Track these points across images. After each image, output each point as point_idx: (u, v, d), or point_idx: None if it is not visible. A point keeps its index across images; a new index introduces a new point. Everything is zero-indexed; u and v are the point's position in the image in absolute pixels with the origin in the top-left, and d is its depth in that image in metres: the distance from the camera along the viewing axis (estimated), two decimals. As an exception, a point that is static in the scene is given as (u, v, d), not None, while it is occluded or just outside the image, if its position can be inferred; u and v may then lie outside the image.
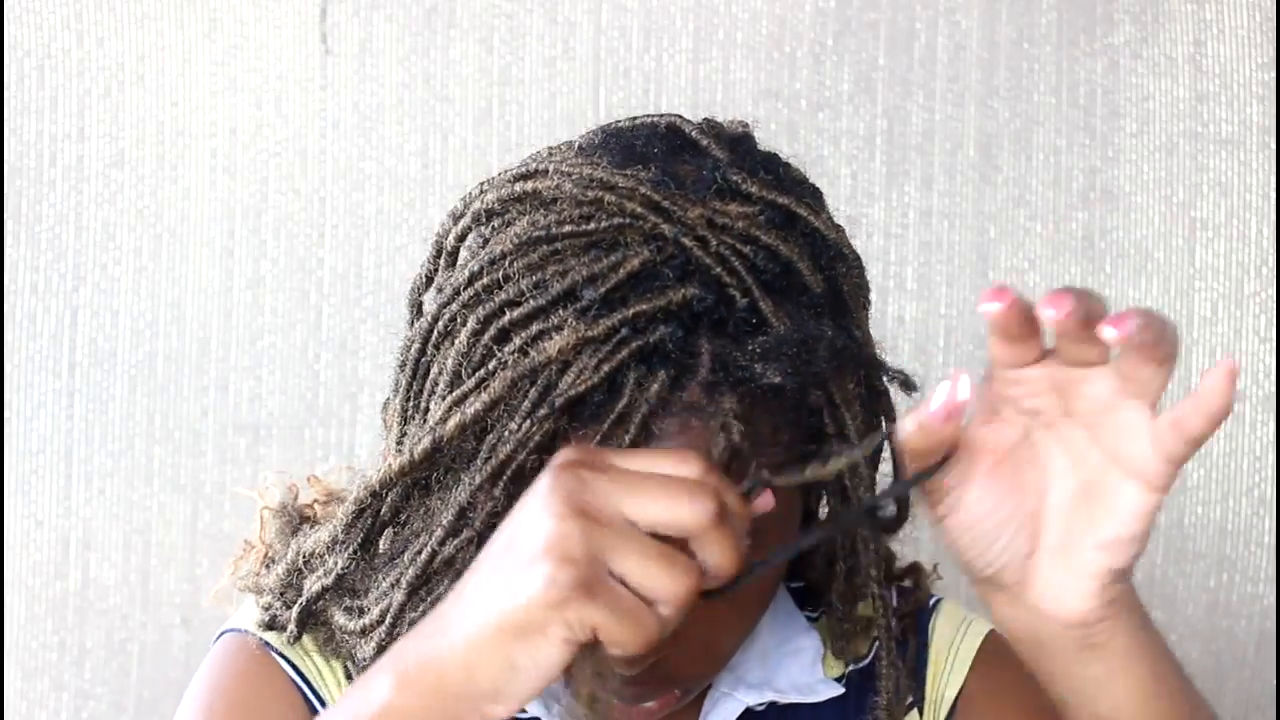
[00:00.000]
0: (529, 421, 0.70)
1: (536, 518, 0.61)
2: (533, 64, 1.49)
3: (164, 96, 1.49)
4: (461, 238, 0.77)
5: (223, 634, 0.89)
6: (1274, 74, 1.47)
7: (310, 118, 1.49)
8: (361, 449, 1.49)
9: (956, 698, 0.89)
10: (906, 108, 1.48)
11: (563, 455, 0.62)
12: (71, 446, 1.50)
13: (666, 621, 0.61)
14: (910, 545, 0.91)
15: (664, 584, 0.60)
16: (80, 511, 1.50)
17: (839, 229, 0.78)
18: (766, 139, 0.82)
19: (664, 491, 0.61)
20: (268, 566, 0.87)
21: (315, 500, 0.90)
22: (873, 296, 1.53)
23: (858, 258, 0.79)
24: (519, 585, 0.60)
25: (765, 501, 0.66)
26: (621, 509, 0.60)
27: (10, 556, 1.50)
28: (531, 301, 0.70)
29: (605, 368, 0.69)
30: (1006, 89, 1.49)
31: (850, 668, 0.89)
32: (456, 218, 0.78)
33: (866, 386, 0.77)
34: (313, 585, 0.79)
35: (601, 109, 1.48)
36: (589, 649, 0.61)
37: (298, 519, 0.88)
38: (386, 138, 1.49)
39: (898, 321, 1.49)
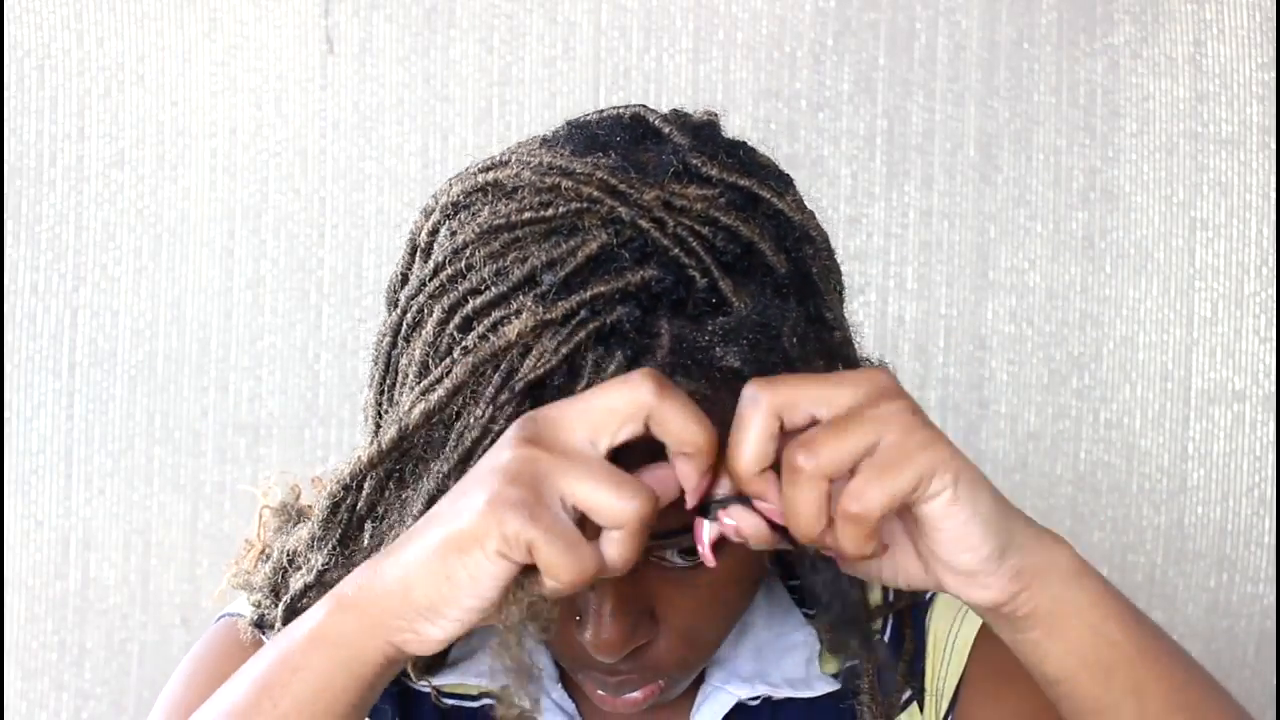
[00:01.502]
0: (492, 406, 0.70)
1: (494, 452, 0.63)
2: (533, 64, 1.49)
3: (164, 96, 1.50)
4: (433, 232, 0.78)
5: (221, 618, 0.89)
6: (1274, 74, 1.47)
7: (310, 118, 1.49)
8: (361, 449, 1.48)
9: (958, 687, 0.89)
10: (906, 108, 1.48)
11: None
12: (71, 446, 1.50)
13: (612, 560, 0.62)
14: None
15: (614, 506, 0.61)
16: (80, 511, 1.50)
17: (807, 212, 0.78)
18: (766, 139, 0.82)
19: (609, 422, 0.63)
20: (262, 563, 0.87)
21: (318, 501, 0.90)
22: (872, 296, 1.54)
23: (826, 240, 0.78)
24: (466, 502, 0.62)
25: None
26: (575, 434, 0.63)
27: (10, 556, 1.50)
28: (493, 289, 0.71)
29: (564, 349, 0.69)
30: (1006, 89, 1.49)
31: (846, 665, 0.89)
32: (428, 213, 0.79)
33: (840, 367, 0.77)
34: (296, 583, 0.79)
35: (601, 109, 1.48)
36: (524, 579, 0.62)
37: (297, 518, 0.88)
38: (386, 138, 1.49)
39: (898, 321, 1.49)
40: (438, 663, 0.86)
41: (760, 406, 0.63)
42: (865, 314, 1.49)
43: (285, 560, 0.81)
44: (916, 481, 0.62)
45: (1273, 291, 1.48)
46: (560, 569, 0.61)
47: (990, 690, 0.88)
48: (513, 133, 1.49)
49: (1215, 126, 1.48)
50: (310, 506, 0.89)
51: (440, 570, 0.62)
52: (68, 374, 1.50)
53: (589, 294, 0.69)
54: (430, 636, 0.64)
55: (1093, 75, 1.48)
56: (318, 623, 0.66)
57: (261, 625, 0.84)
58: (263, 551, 0.88)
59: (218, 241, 1.50)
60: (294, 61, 1.49)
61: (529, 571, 0.62)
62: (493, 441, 0.70)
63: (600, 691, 0.80)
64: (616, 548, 0.62)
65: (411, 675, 0.86)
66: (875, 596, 0.90)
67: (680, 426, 0.63)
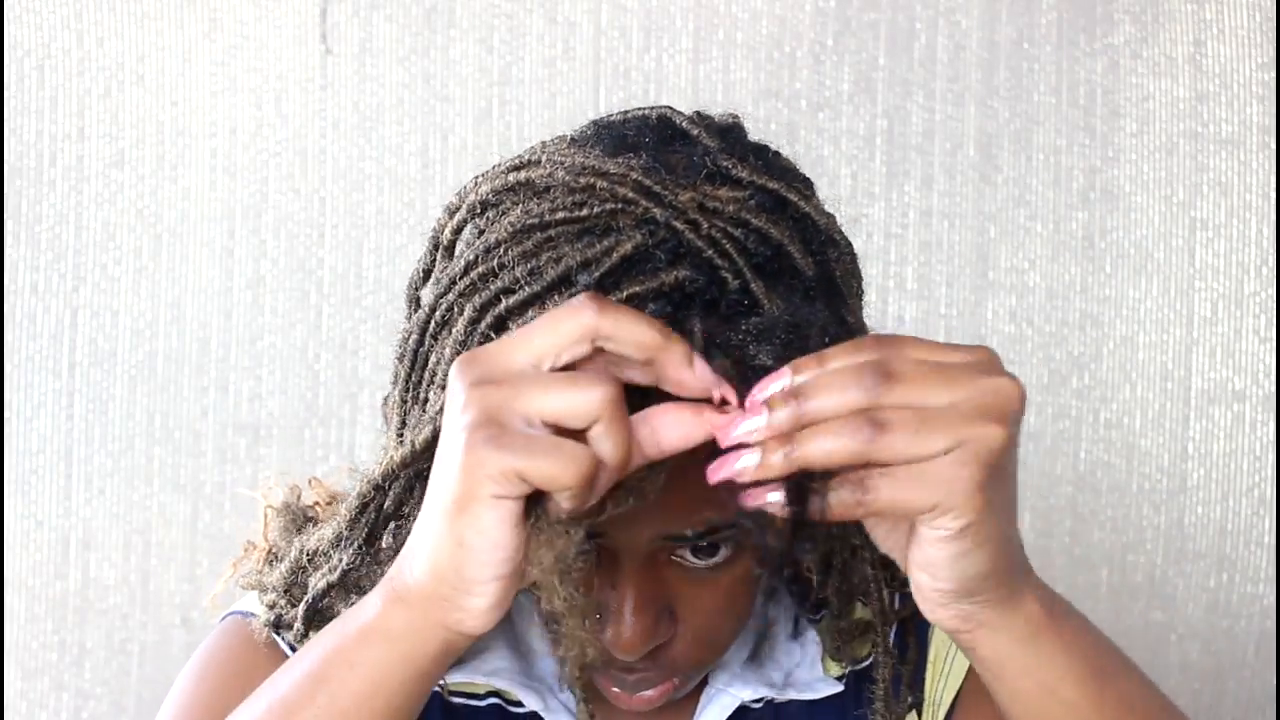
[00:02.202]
0: None
1: (449, 411, 0.62)
2: (533, 64, 1.49)
3: (164, 96, 1.49)
4: (458, 230, 0.78)
5: (227, 616, 0.89)
6: (1274, 74, 1.47)
7: (310, 118, 1.49)
8: (361, 449, 1.49)
9: (955, 698, 0.89)
10: (906, 108, 1.48)
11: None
12: (71, 446, 1.50)
13: (607, 454, 0.61)
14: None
15: (577, 403, 0.60)
16: (80, 511, 1.50)
17: (830, 216, 0.78)
18: (766, 139, 0.82)
19: (555, 340, 0.61)
20: (271, 564, 0.87)
21: (317, 503, 0.90)
22: (872, 296, 1.53)
23: (849, 245, 0.79)
24: (446, 465, 0.61)
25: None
26: (516, 360, 0.61)
27: (10, 556, 1.50)
28: (527, 288, 0.71)
29: None
30: (1006, 89, 1.49)
31: (849, 669, 0.89)
32: (452, 212, 0.79)
33: None
34: (318, 583, 0.79)
35: (601, 109, 1.48)
36: (536, 510, 0.61)
37: (301, 518, 0.88)
38: (386, 138, 1.49)
39: (898, 321, 1.49)
40: None
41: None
42: (865, 314, 1.48)
43: (305, 560, 0.81)
44: (920, 510, 0.60)
45: (1273, 291, 1.48)
46: (558, 476, 0.59)
47: (986, 711, 0.88)
48: (513, 133, 1.49)
49: (1215, 126, 1.48)
50: (314, 506, 0.89)
51: (451, 540, 0.61)
52: (68, 374, 1.50)
53: (624, 294, 0.69)
54: (477, 608, 0.63)
55: (1093, 75, 1.48)
56: (370, 619, 0.65)
57: (278, 626, 0.84)
58: (270, 551, 0.88)
59: (218, 241, 1.50)
60: (294, 61, 1.49)
61: (537, 506, 0.61)
62: None
63: (616, 689, 0.80)
64: (606, 441, 0.60)
65: None
66: (864, 613, 0.90)
67: (631, 331, 0.61)
